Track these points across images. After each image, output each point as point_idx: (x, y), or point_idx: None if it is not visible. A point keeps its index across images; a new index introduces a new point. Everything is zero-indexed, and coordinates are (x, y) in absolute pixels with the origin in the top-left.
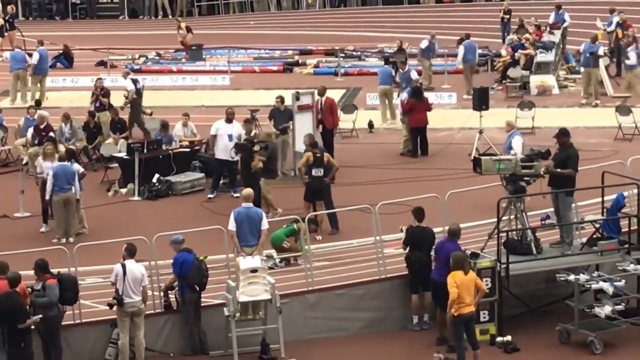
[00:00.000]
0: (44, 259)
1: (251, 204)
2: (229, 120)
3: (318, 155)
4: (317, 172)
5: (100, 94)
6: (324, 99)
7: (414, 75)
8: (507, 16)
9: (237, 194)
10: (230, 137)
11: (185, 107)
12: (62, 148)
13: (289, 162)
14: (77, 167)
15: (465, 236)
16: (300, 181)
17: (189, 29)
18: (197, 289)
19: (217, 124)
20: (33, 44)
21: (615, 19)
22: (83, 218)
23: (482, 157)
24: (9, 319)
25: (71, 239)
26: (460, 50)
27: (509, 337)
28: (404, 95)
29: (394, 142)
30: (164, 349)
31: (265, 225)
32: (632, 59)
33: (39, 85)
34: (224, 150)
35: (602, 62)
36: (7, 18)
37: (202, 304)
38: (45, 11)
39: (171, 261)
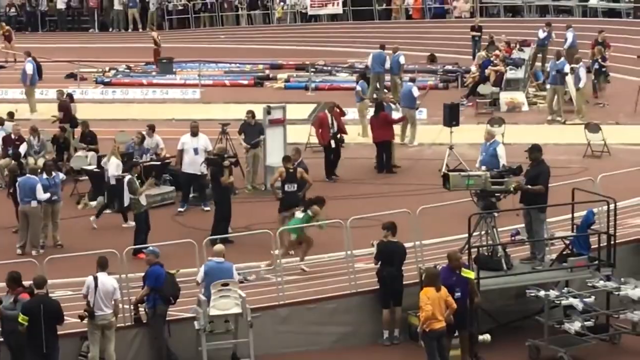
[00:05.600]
0: (17, 272)
1: (223, 259)
2: (194, 134)
3: (291, 170)
4: (291, 187)
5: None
6: (333, 115)
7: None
8: (478, 33)
9: (207, 208)
10: (195, 150)
11: (155, 121)
12: (31, 161)
13: (260, 176)
14: (60, 177)
15: (436, 251)
16: (272, 195)
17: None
18: (172, 301)
19: (183, 138)
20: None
21: (571, 34)
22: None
23: (451, 173)
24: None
25: (33, 252)
26: (369, 59)
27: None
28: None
29: (364, 157)
30: None
31: (236, 277)
32: (582, 78)
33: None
34: (190, 164)
35: (569, 80)
36: None
37: (174, 318)
38: (15, 23)
39: (142, 274)
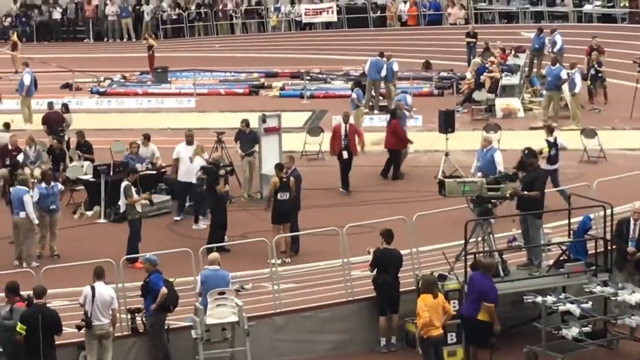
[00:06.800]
0: (15, 282)
1: (218, 267)
2: (189, 142)
3: (284, 179)
4: (283, 195)
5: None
6: (348, 125)
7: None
8: (473, 39)
9: (204, 219)
10: (191, 159)
11: (150, 130)
12: (27, 171)
13: (255, 185)
14: (58, 187)
15: (432, 258)
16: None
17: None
18: (171, 309)
19: (178, 147)
20: None
21: (558, 38)
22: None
23: (446, 180)
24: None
25: (24, 264)
26: (366, 65)
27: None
28: None
29: (359, 165)
30: None
31: (230, 285)
32: (577, 83)
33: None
34: (186, 173)
35: (564, 85)
36: None
37: (171, 326)
38: (4, 35)
39: (138, 283)
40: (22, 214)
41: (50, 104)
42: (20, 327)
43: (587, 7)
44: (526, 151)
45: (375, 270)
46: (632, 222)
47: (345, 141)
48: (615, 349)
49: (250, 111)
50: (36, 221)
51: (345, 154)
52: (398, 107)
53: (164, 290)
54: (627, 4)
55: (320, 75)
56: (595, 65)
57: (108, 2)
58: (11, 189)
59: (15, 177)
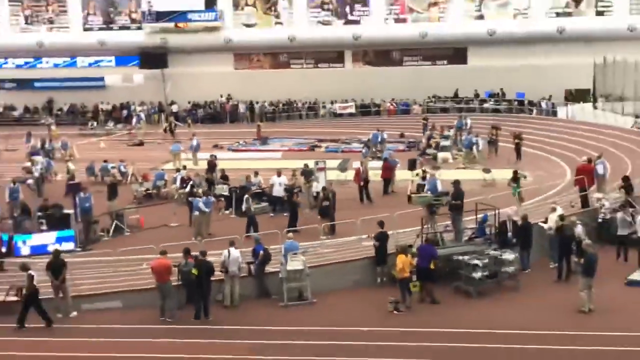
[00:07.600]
0: (188, 247)
1: (293, 240)
2: (278, 174)
3: (326, 195)
4: (326, 203)
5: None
6: (364, 167)
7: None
8: (425, 121)
9: (286, 214)
10: (280, 184)
11: (258, 169)
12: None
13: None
14: (212, 199)
15: (406, 236)
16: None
17: (259, 128)
18: (267, 263)
19: (273, 178)
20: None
21: (469, 121)
22: (209, 227)
23: (412, 195)
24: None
25: (193, 239)
26: (370, 136)
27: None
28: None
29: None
30: (249, 294)
31: (299, 250)
32: (480, 145)
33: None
34: (276, 192)
35: (475, 147)
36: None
37: (268, 272)
38: (184, 120)
39: (250, 249)
40: (196, 213)
41: (211, 155)
42: (195, 271)
43: (486, 105)
44: (454, 180)
45: (375, 243)
46: (508, 221)
47: (364, 175)
48: (501, 284)
49: (310, 159)
50: (207, 210)
51: (362, 183)
52: (390, 157)
53: (262, 253)
54: (507, 106)
55: (346, 140)
56: (492, 136)
57: (237, 103)
58: (190, 198)
59: (193, 194)
